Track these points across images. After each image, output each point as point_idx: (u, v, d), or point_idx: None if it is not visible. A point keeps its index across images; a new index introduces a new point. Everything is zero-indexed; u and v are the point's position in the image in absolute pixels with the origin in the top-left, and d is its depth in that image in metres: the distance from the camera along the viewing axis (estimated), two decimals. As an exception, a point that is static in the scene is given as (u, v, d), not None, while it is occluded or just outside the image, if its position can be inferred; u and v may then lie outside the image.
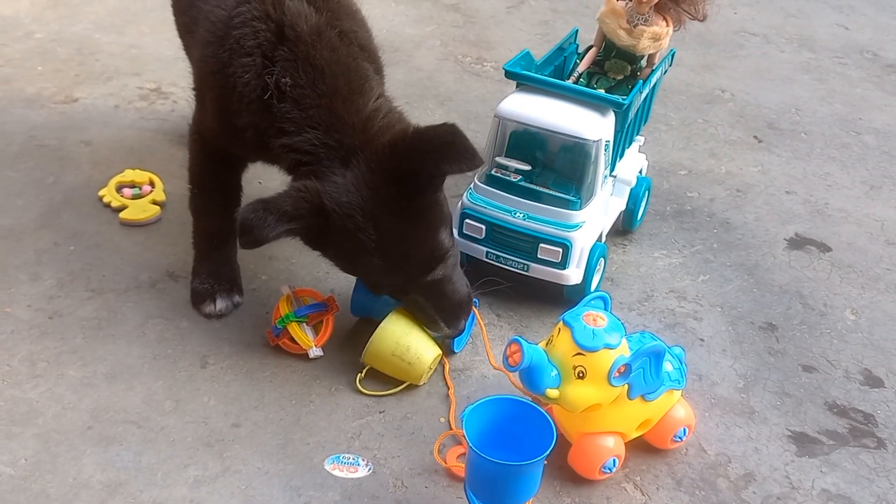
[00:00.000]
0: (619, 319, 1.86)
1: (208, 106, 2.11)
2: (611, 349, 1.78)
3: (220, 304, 2.25)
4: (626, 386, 1.80)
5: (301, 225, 1.86)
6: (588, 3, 4.12)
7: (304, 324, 2.13)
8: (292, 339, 2.12)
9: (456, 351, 2.18)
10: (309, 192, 1.86)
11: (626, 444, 1.91)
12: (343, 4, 2.08)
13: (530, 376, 1.79)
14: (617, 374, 1.77)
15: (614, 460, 1.88)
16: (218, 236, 2.28)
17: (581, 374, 1.78)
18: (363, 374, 2.10)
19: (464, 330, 2.11)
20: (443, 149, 1.81)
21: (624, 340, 1.82)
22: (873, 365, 2.27)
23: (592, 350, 1.77)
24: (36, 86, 3.14)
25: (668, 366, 1.90)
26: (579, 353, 1.77)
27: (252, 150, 2.08)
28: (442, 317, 2.04)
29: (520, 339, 1.76)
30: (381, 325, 2.07)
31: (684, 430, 1.96)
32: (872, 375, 2.24)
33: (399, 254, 1.93)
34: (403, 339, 2.06)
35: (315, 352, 2.12)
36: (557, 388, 1.79)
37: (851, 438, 2.07)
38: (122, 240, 2.48)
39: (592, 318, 1.81)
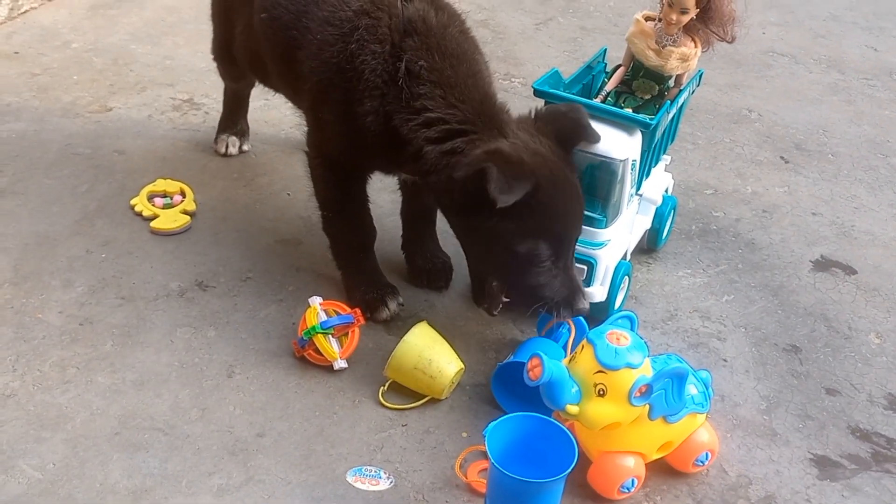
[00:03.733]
0: (643, 340, 1.86)
1: (329, 112, 2.18)
2: (632, 368, 1.78)
3: (392, 307, 2.32)
4: (647, 406, 1.81)
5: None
6: (616, 21, 4.14)
7: (330, 336, 2.15)
8: (318, 351, 2.15)
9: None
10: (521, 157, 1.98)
11: (646, 465, 1.91)
12: (455, 10, 2.23)
13: (550, 391, 1.80)
14: (637, 394, 1.78)
15: (633, 481, 1.89)
16: (363, 249, 2.35)
17: (601, 392, 1.78)
18: (386, 388, 2.12)
19: None
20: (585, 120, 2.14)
21: (647, 360, 1.82)
22: (898, 390, 2.26)
23: (614, 368, 1.78)
24: (72, 95, 3.20)
25: (692, 389, 1.90)
26: (600, 371, 1.78)
27: (371, 143, 2.12)
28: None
29: (541, 353, 1.77)
30: (404, 338, 2.09)
31: (706, 454, 1.96)
32: (897, 400, 2.23)
33: (575, 217, 2.13)
34: (426, 353, 2.08)
35: (340, 364, 2.15)
36: (577, 404, 1.80)
37: (874, 463, 2.06)
38: (152, 248, 2.52)
39: (616, 336, 1.82)
